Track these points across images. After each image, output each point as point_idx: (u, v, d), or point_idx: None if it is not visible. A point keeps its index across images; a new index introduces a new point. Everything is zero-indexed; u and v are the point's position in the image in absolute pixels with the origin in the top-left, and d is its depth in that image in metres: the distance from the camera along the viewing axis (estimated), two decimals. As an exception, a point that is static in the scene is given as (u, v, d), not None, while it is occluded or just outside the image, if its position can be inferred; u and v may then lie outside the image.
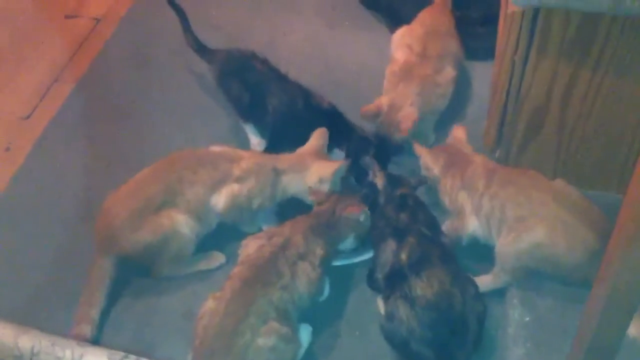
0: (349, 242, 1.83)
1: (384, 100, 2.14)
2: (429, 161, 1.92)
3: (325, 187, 1.88)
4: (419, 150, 1.96)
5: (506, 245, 1.73)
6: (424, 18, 2.33)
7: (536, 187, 1.76)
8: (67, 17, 2.82)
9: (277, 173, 1.91)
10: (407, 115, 2.09)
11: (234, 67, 2.23)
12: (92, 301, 1.76)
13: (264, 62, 2.23)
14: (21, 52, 2.66)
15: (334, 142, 2.06)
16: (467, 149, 1.94)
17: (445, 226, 1.86)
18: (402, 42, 2.26)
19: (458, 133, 1.99)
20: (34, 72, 2.56)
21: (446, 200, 1.90)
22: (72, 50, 2.65)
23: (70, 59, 2.61)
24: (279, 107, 2.13)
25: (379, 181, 1.86)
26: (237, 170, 1.88)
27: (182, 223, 1.81)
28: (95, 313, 1.75)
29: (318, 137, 1.99)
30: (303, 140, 2.01)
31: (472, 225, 1.82)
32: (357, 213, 1.79)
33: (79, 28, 2.75)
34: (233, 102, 2.24)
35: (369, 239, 1.84)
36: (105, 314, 1.78)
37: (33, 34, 2.75)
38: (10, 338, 1.63)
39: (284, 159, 1.95)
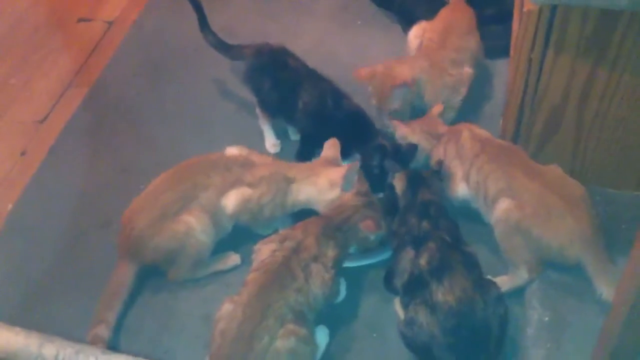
0: (350, 249, 1.82)
1: (380, 66, 2.14)
2: (405, 132, 2.01)
3: (337, 192, 1.87)
4: (395, 124, 2.03)
5: (492, 220, 1.80)
6: (445, 15, 2.33)
7: (514, 163, 1.81)
8: (79, 20, 2.83)
9: (288, 181, 1.90)
10: (400, 76, 2.09)
11: (265, 63, 2.19)
12: (110, 305, 1.77)
13: (295, 57, 2.21)
14: (35, 57, 2.67)
15: (356, 146, 2.05)
16: (441, 125, 2.02)
17: None
18: (424, 37, 2.27)
19: (435, 110, 2.06)
20: (48, 77, 2.58)
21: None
22: (85, 54, 2.66)
23: (84, 63, 2.62)
24: (310, 103, 2.10)
25: (399, 184, 1.85)
26: (249, 176, 1.88)
27: (198, 229, 1.81)
28: (112, 317, 1.76)
29: (330, 148, 1.96)
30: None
31: (462, 191, 1.88)
32: (370, 230, 1.78)
33: (91, 32, 2.77)
34: (261, 98, 2.21)
35: (383, 243, 1.84)
36: (123, 317, 1.79)
37: (46, 38, 2.76)
38: (34, 346, 1.64)
39: (295, 167, 1.95)
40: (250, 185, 1.87)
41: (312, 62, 2.24)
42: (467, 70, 2.21)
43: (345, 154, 1.99)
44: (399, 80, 2.09)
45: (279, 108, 2.18)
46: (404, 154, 2.00)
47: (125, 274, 1.81)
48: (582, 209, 1.72)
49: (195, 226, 1.81)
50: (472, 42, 2.27)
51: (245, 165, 1.90)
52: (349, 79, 2.25)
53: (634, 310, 1.18)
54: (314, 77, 2.16)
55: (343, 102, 2.12)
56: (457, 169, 1.89)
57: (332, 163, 1.93)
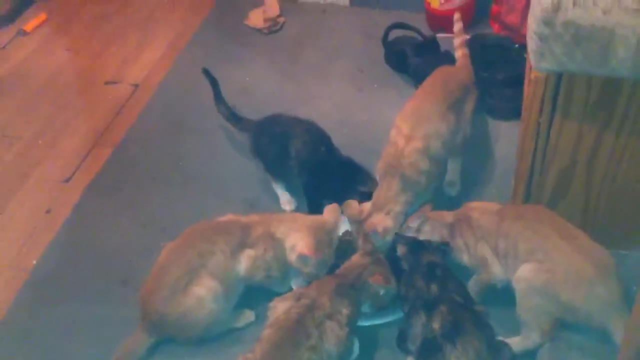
0: (364, 307, 1.84)
1: (365, 208, 2.02)
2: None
3: (293, 258, 1.91)
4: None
5: (515, 278, 1.77)
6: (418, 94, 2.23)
7: (544, 221, 1.81)
8: (106, 83, 2.93)
9: (276, 238, 1.94)
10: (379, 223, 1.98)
11: (264, 128, 2.30)
12: None
13: (291, 116, 2.30)
14: (64, 118, 2.75)
15: (351, 192, 2.10)
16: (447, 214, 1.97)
17: (473, 282, 1.89)
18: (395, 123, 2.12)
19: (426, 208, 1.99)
20: (75, 137, 2.65)
21: (464, 258, 1.91)
22: (111, 115, 2.74)
23: (109, 123, 2.70)
24: (302, 151, 2.18)
25: (400, 249, 1.88)
26: (250, 238, 1.92)
27: (208, 298, 1.83)
28: None
29: (328, 212, 2.01)
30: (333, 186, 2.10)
31: (499, 270, 1.84)
32: (379, 284, 1.81)
33: (118, 94, 2.85)
34: (263, 160, 2.29)
35: (396, 301, 1.85)
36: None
37: (75, 100, 2.86)
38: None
39: (282, 224, 1.97)
40: (252, 246, 1.91)
41: (328, 123, 2.30)
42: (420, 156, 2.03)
43: (341, 199, 2.04)
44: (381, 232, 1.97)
45: (280, 168, 2.25)
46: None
47: (142, 341, 1.86)
48: (612, 276, 1.70)
49: (205, 296, 1.83)
50: (442, 126, 2.07)
51: (243, 227, 1.94)
52: (364, 139, 2.31)
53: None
54: (305, 125, 2.24)
55: (334, 149, 2.20)
56: (485, 251, 1.86)
57: (325, 226, 1.97)
